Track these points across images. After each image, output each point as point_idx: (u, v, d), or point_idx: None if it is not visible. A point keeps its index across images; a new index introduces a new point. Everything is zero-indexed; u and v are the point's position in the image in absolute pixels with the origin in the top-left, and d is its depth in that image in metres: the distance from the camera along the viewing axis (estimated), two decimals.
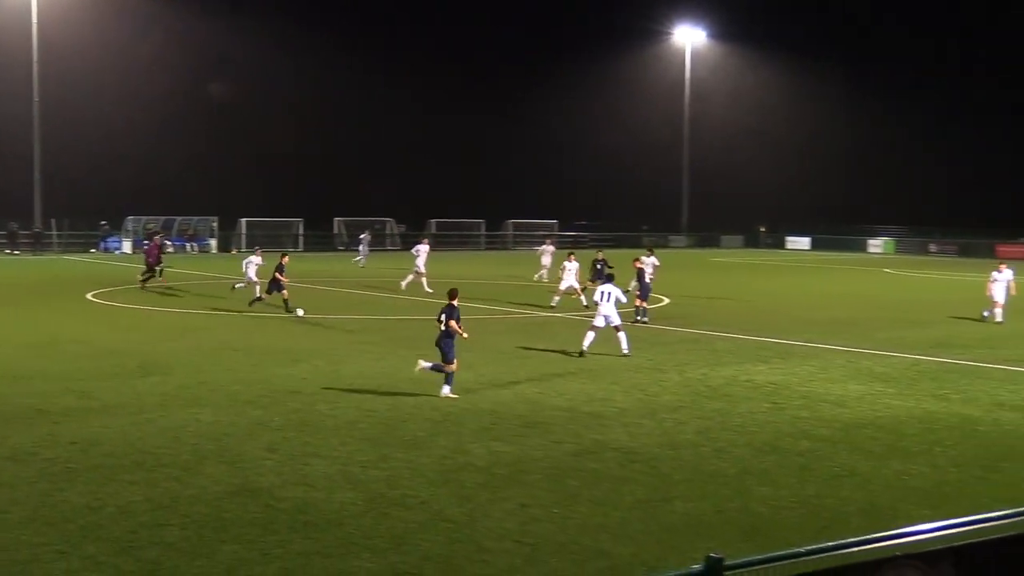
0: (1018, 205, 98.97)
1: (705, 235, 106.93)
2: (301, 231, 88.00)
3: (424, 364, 20.07)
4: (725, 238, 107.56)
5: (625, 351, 25.17)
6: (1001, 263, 37.49)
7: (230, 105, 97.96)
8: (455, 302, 20.19)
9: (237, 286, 38.12)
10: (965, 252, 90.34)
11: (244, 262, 38.49)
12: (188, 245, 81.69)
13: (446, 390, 19.65)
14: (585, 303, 35.62)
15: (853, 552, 6.39)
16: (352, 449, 15.39)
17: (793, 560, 6.14)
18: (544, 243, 54.02)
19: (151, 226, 75.09)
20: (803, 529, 11.88)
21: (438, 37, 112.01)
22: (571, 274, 37.40)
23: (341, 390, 20.24)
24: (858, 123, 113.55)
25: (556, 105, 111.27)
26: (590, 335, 25.49)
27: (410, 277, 43.30)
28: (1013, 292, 35.36)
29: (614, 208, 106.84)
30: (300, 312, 32.84)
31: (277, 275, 34.33)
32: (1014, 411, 19.00)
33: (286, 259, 35.36)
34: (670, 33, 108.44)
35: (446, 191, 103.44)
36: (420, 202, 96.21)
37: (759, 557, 6.10)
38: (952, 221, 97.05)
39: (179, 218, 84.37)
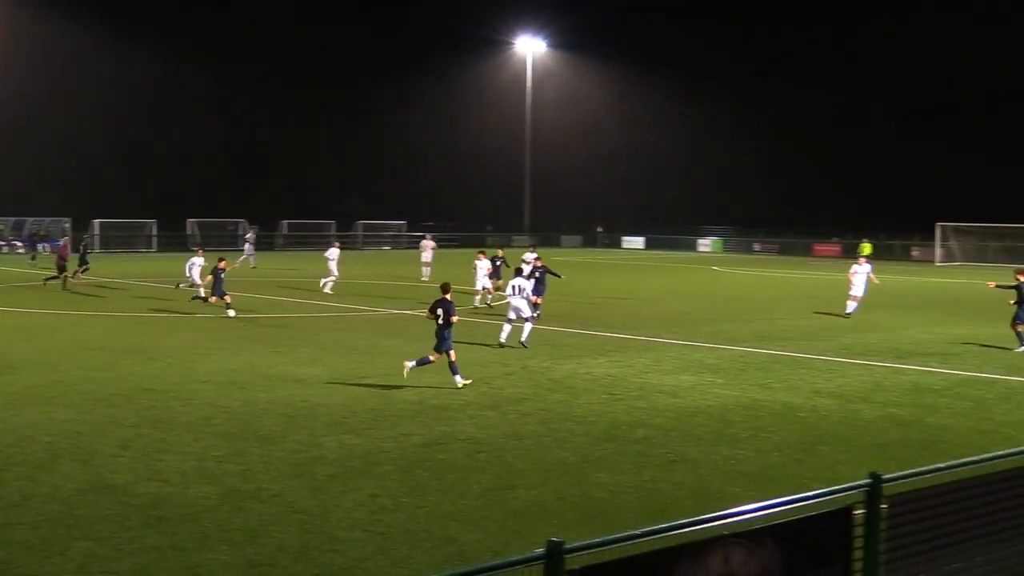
0: (833, 207, 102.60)
1: (546, 235, 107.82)
2: (155, 232, 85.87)
3: (409, 364, 20.39)
4: (565, 238, 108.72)
5: (524, 340, 25.85)
6: (860, 256, 38.63)
7: (82, 104, 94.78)
8: (448, 295, 20.54)
9: (181, 285, 38.15)
10: (785, 251, 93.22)
11: (187, 264, 38.11)
12: (40, 246, 78.87)
13: (458, 380, 20.06)
14: (488, 303, 35.86)
15: (685, 532, 6.54)
16: (206, 444, 15.09)
17: (629, 542, 6.25)
18: (424, 239, 52.94)
19: (36, 227, 72.90)
20: (639, 512, 12.09)
21: (290, 39, 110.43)
22: (482, 272, 36.75)
23: (196, 387, 19.82)
24: (690, 128, 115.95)
25: (405, 110, 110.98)
26: (506, 328, 26.40)
27: (331, 280, 42.61)
28: (876, 282, 36.64)
29: (461, 209, 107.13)
30: (231, 312, 32.45)
31: (215, 277, 33.27)
32: (830, 398, 19.67)
33: (223, 263, 34.02)
34: (512, 43, 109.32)
35: (297, 193, 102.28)
36: (272, 204, 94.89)
37: (597, 540, 6.20)
38: (774, 222, 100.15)
39: (30, 219, 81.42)
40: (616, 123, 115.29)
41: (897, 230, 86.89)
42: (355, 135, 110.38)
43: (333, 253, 44.39)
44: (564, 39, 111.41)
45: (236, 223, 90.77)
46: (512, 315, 26.56)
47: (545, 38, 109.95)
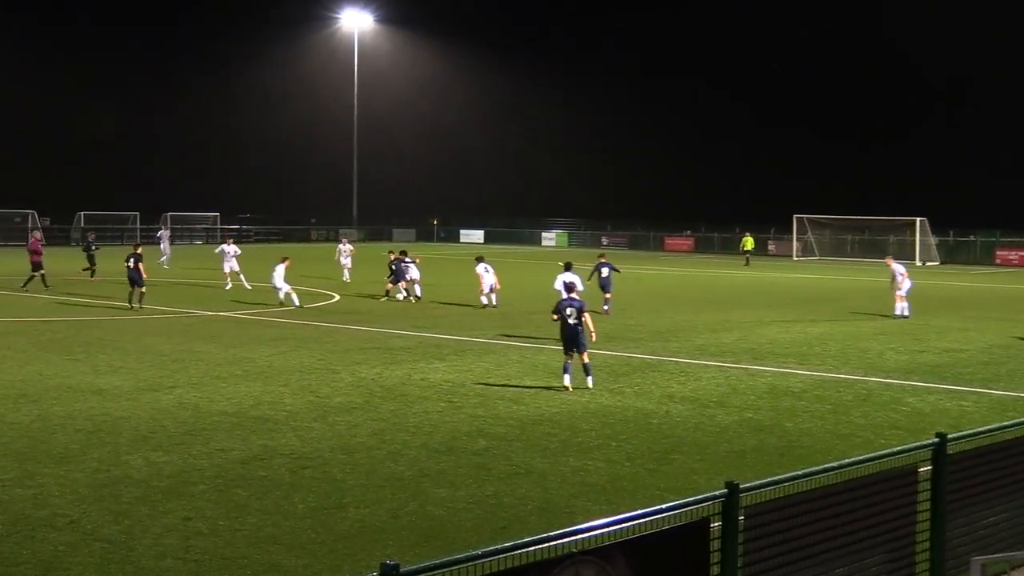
0: (683, 200, 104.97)
1: (377, 228, 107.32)
2: None
3: (567, 380, 20.90)
4: (397, 231, 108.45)
5: None
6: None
7: None
8: (575, 294, 21.72)
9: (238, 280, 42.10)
10: (635, 245, 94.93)
11: (224, 254, 43.76)
12: None
13: (590, 381, 21.02)
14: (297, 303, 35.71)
15: (531, 551, 6.58)
16: None
17: (471, 563, 6.26)
18: (342, 242, 51.99)
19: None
20: (481, 530, 12.14)
21: (98, 17, 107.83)
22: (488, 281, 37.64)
23: None
24: (533, 113, 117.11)
25: (219, 93, 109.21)
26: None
27: (233, 281, 43.17)
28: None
29: (281, 201, 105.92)
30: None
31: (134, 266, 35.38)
32: (684, 403, 20.10)
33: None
34: (337, 17, 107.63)
35: (96, 182, 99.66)
36: (66, 194, 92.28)
37: (436, 562, 6.20)
38: (623, 214, 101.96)
39: None
40: (452, 107, 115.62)
41: (751, 223, 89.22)
42: (155, 121, 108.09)
43: (228, 249, 44.67)
44: (393, 12, 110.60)
45: (25, 214, 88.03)
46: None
47: (373, 12, 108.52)
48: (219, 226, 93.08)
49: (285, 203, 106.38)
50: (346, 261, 49.51)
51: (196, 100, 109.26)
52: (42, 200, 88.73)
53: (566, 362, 21.10)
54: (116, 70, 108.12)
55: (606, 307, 35.18)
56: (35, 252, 43.04)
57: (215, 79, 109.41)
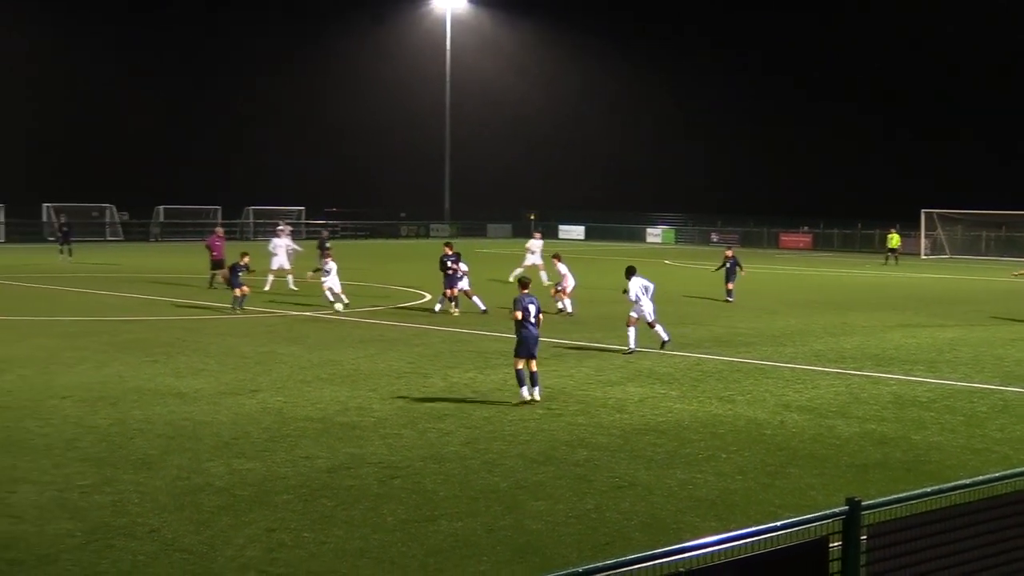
0: (798, 194, 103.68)
1: (471, 223, 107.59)
2: (1, 219, 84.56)
3: (527, 393, 20.31)
4: (492, 227, 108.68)
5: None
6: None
7: None
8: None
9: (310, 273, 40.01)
10: (748, 242, 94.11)
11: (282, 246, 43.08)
12: None
13: (537, 392, 20.40)
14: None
15: (634, 570, 6.57)
16: (70, 472, 14.90)
17: None
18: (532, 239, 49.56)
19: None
20: (582, 546, 12.14)
21: (183, 11, 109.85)
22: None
23: (55, 403, 19.55)
24: (636, 104, 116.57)
25: (304, 84, 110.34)
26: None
27: (285, 278, 42.63)
28: None
29: (368, 195, 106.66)
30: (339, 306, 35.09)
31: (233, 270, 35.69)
32: (800, 412, 19.89)
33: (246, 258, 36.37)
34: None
35: (176, 174, 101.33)
36: (146, 186, 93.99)
37: None
38: (734, 210, 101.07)
39: None
40: (550, 96, 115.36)
41: (874, 218, 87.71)
42: (238, 109, 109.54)
43: (280, 243, 44.06)
44: None
45: (102, 208, 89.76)
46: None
47: None
48: (304, 220, 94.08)
49: (373, 197, 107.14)
50: (536, 261, 47.02)
51: (280, 90, 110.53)
52: (120, 193, 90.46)
53: (521, 370, 20.33)
54: (198, 60, 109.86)
55: (732, 299, 40.06)
56: (213, 249, 43.10)
57: (303, 66, 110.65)
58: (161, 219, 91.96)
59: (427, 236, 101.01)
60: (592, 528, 12.95)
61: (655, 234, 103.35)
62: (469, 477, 15.05)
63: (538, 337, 20.54)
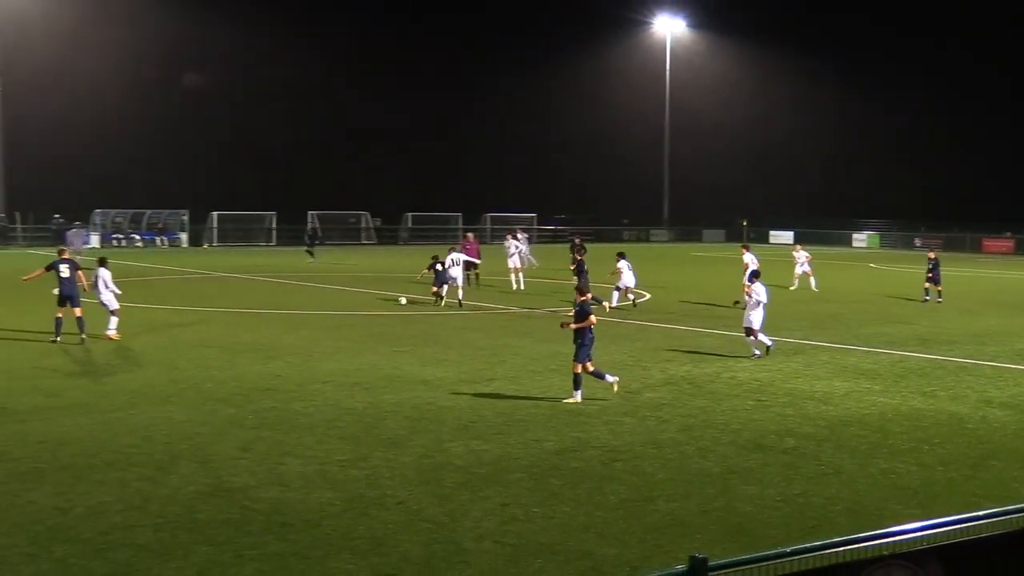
0: (1003, 198, 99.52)
1: (686, 229, 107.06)
2: (274, 224, 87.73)
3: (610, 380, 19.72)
4: (707, 232, 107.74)
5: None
6: None
7: (200, 95, 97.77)
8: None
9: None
10: (951, 247, 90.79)
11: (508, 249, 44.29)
12: (158, 239, 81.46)
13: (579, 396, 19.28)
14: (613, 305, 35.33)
15: (840, 552, 6.44)
16: (329, 448, 15.38)
17: (779, 560, 6.18)
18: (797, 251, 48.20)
19: (155, 220, 75.59)
20: (789, 528, 11.95)
21: (418, 25, 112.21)
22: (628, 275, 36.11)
23: (317, 387, 20.22)
24: (842, 113, 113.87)
25: (536, 96, 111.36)
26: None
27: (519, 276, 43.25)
28: None
29: (594, 201, 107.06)
30: (403, 300, 36.55)
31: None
32: (1002, 408, 19.12)
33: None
34: (650, 23, 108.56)
35: (421, 183, 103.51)
36: (394, 194, 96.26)
37: (744, 557, 6.15)
38: (937, 215, 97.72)
39: (148, 211, 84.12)
40: (761, 108, 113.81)
41: None
42: (478, 123, 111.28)
43: (514, 244, 44.75)
44: (705, 18, 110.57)
45: (358, 215, 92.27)
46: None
47: (685, 17, 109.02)
48: (536, 226, 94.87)
49: (598, 204, 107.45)
50: (803, 267, 45.76)
51: (511, 102, 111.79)
52: (373, 201, 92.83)
53: (580, 374, 19.31)
54: (436, 71, 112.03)
55: (929, 297, 39.20)
56: (468, 252, 42.99)
57: (532, 79, 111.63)
58: (409, 225, 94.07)
59: (647, 240, 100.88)
60: (799, 512, 12.72)
61: (860, 239, 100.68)
62: (684, 462, 14.96)
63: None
